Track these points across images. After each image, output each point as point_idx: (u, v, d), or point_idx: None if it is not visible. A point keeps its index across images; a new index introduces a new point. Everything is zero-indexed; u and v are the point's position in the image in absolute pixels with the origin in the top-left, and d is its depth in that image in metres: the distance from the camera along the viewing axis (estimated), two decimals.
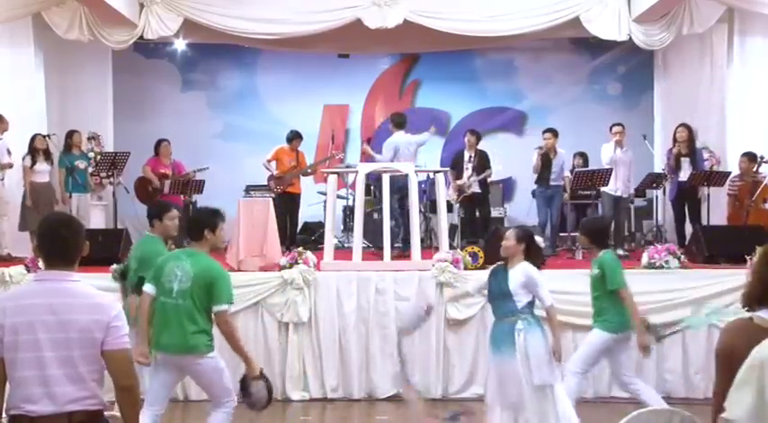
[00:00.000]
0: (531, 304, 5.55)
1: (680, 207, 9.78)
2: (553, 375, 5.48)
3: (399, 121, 9.81)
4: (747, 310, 2.95)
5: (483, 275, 6.04)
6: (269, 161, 10.44)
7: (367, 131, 13.19)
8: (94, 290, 3.33)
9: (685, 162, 9.59)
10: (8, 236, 9.37)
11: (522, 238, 5.62)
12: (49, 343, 3.09)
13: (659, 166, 10.69)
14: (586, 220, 7.80)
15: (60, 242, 3.21)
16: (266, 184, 10.46)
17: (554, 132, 10.18)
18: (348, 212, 11.10)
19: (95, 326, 3.12)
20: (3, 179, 9.36)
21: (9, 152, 9.36)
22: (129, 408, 3.20)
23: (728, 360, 2.85)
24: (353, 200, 9.27)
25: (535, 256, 5.66)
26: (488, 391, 5.75)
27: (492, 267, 5.85)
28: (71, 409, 3.11)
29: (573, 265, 8.52)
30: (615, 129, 10.03)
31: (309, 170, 10.74)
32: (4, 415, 3.18)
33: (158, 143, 10.53)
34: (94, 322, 3.12)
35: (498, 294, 5.58)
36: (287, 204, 10.15)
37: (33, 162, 9.50)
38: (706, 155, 10.08)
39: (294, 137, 10.55)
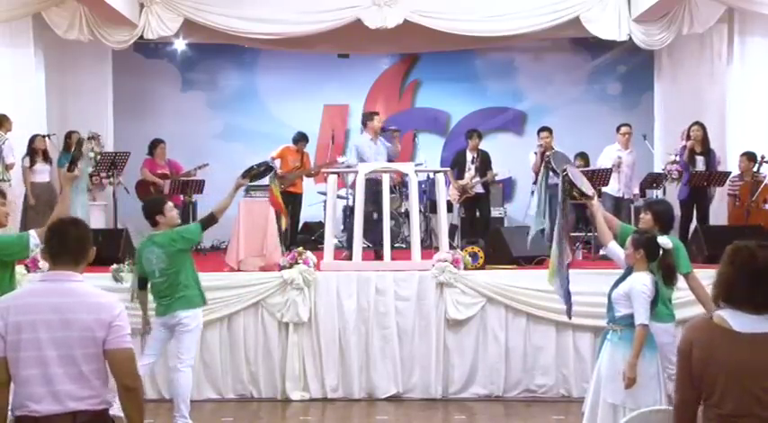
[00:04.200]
0: (630, 317, 4.99)
1: (690, 206, 9.61)
2: (628, 399, 4.88)
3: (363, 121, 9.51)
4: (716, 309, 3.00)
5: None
6: (273, 158, 10.44)
7: None
8: (97, 289, 3.35)
9: (700, 161, 9.54)
10: None
11: (639, 244, 5.05)
12: (51, 342, 3.11)
13: (659, 166, 10.67)
14: (653, 200, 7.85)
15: (66, 242, 3.24)
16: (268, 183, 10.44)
17: (550, 131, 10.18)
18: (348, 212, 11.09)
19: (97, 325, 3.13)
20: (10, 180, 9.35)
21: (13, 154, 9.37)
22: (132, 408, 3.19)
23: (687, 355, 2.92)
24: (353, 200, 9.25)
25: (662, 265, 5.04)
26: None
27: (627, 267, 5.22)
28: (75, 408, 3.11)
29: (573, 265, 8.47)
30: (623, 129, 10.00)
31: (313, 172, 10.75)
32: (10, 414, 3.18)
33: (155, 144, 10.50)
34: (96, 321, 3.13)
35: (608, 298, 5.16)
36: (288, 204, 10.15)
37: (32, 162, 9.50)
38: None
39: (300, 138, 10.63)
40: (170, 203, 6.34)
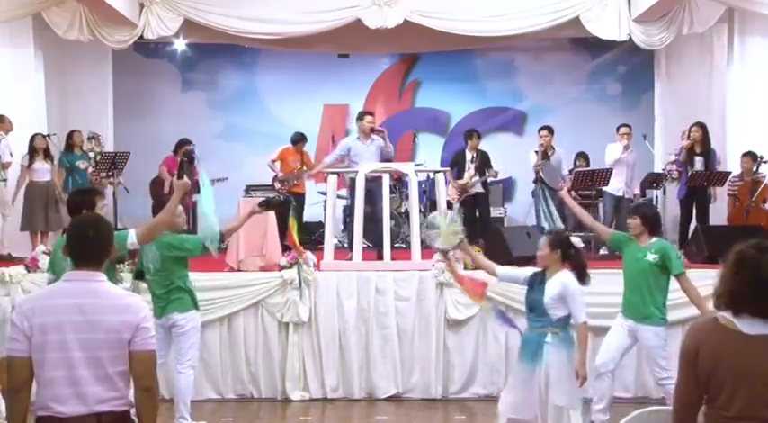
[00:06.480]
0: (567, 318, 5.09)
1: (689, 206, 9.58)
2: (574, 399, 5.03)
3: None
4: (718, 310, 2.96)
5: (522, 271, 5.49)
6: (273, 161, 10.42)
7: None
8: (123, 290, 3.39)
9: (698, 161, 9.53)
10: (8, 236, 9.37)
11: (557, 245, 5.15)
12: (77, 343, 3.11)
13: (659, 166, 10.67)
14: (640, 203, 8.01)
15: (86, 243, 3.24)
16: (271, 184, 10.43)
17: (550, 130, 10.18)
18: (348, 212, 11.09)
19: (123, 326, 3.13)
20: (5, 180, 9.35)
21: (11, 153, 9.37)
22: (148, 409, 3.21)
23: (693, 357, 2.86)
24: (350, 200, 9.26)
25: (576, 264, 5.17)
26: (502, 401, 5.35)
27: (531, 273, 5.33)
28: (100, 409, 3.12)
29: None
30: (623, 130, 9.98)
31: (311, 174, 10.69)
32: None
33: (181, 144, 10.29)
34: (123, 323, 3.14)
35: (533, 305, 5.17)
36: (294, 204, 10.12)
37: (31, 161, 9.50)
38: None
39: (299, 139, 10.57)
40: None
